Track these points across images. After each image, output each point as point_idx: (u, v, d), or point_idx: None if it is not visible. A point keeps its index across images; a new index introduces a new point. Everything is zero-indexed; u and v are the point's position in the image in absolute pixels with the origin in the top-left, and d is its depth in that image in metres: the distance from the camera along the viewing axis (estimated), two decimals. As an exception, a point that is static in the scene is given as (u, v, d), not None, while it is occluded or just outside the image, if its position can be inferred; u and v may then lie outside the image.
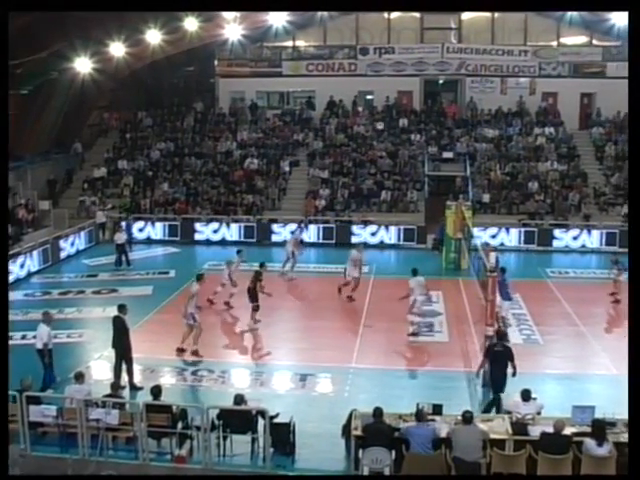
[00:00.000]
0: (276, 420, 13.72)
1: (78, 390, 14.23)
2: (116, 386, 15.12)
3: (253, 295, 21.54)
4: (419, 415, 12.95)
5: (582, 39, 42.27)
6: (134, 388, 17.00)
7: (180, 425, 13.67)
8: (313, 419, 15.36)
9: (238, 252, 24.94)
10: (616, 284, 24.73)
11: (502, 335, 15.98)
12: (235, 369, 18.63)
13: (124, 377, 17.17)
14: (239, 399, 13.96)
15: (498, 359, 15.49)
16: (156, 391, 13.96)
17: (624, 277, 24.42)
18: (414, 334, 21.04)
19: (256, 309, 21.54)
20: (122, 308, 17.68)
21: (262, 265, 22.59)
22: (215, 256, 30.23)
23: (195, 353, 19.15)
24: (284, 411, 14.26)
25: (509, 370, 15.51)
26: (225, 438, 13.73)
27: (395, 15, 42.27)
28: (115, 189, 37.64)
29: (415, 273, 21.75)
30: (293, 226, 32.27)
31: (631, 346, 12.40)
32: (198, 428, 13.45)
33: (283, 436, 13.68)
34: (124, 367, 17.26)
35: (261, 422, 13.53)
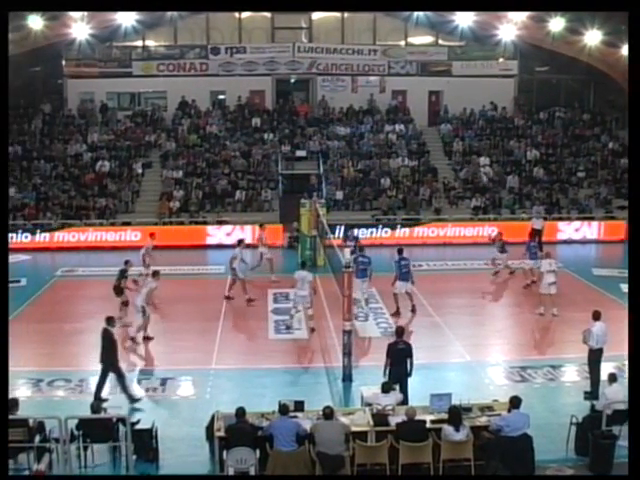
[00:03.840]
0: (137, 426, 13.50)
1: None
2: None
3: (119, 291, 21.90)
4: (282, 409, 13.03)
5: (428, 39, 43.56)
6: (133, 400, 16.39)
7: (38, 438, 13.21)
8: (175, 423, 15.21)
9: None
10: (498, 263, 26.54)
11: (402, 332, 16.07)
12: (93, 377, 18.11)
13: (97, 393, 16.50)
14: (96, 407, 13.65)
15: (401, 356, 15.54)
16: (11, 404, 13.43)
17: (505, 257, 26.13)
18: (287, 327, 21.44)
19: (125, 304, 21.84)
20: (110, 321, 16.74)
21: (127, 262, 22.58)
22: (67, 262, 29.57)
23: (147, 338, 20.32)
24: (145, 417, 14.06)
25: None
26: (86, 448, 13.38)
27: (246, 15, 42.31)
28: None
29: (303, 265, 22.30)
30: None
31: (631, 345, 12.79)
32: (57, 440, 13.05)
33: (145, 442, 13.46)
34: (116, 382, 16.56)
35: (122, 429, 13.28)
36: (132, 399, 16.42)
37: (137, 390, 17.27)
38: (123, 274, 22.19)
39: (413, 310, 22.88)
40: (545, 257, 23.00)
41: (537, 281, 24.19)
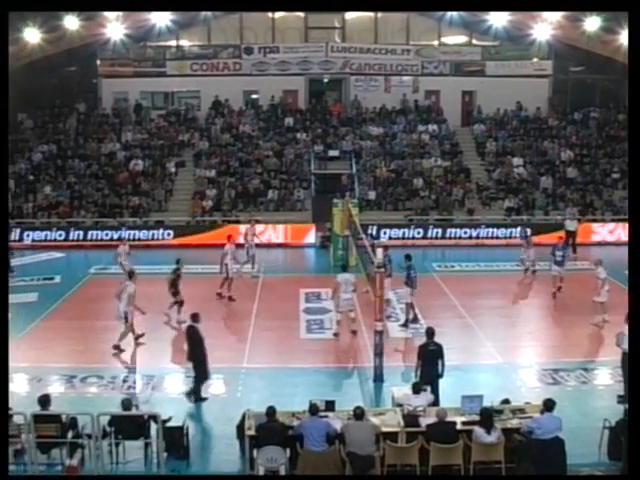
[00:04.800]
0: (169, 424, 13.57)
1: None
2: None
3: (174, 291, 21.96)
4: (312, 409, 13.03)
5: (462, 39, 43.39)
6: (199, 399, 16.43)
7: (70, 434, 13.32)
8: (206, 421, 15.28)
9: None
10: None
11: (432, 333, 15.89)
12: (125, 374, 18.32)
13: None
14: (127, 403, 13.73)
15: (432, 358, 15.44)
16: (44, 400, 13.55)
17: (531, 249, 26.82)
18: (336, 334, 20.99)
19: (180, 304, 21.75)
20: (195, 317, 16.95)
21: (178, 261, 22.70)
22: (100, 259, 29.82)
23: (118, 347, 19.31)
24: (177, 414, 14.13)
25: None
26: (117, 445, 13.47)
27: (279, 14, 42.40)
28: (-5, 193, 36.37)
29: (344, 268, 22.05)
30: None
31: (631, 345, 12.70)
32: (89, 436, 13.16)
33: (177, 440, 13.53)
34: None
35: (154, 426, 13.36)
36: (198, 397, 16.43)
37: (173, 387, 17.42)
38: (176, 273, 22.23)
39: (413, 320, 21.84)
40: (598, 264, 22.24)
41: (562, 288, 24.08)
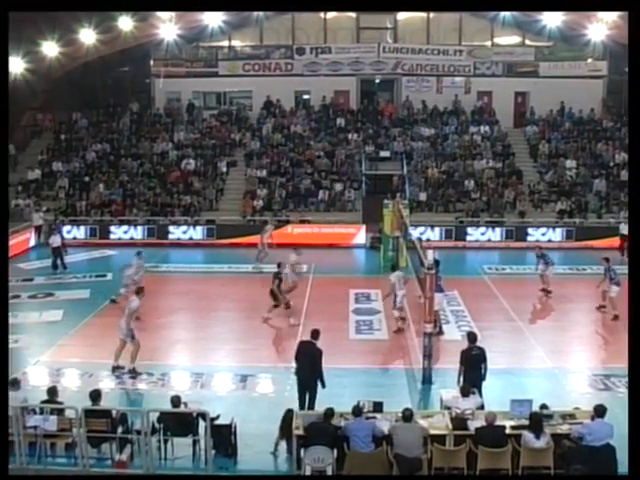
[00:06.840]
0: (217, 422, 13.64)
1: (14, 397, 13.78)
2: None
3: (274, 296, 22.09)
4: (355, 410, 13.01)
5: (515, 39, 43.01)
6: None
7: (120, 429, 13.47)
8: (254, 420, 15.31)
9: (138, 253, 24.48)
10: (544, 278, 25.33)
11: (474, 337, 15.84)
12: (175, 371, 18.44)
13: None
14: (176, 400, 13.83)
15: (476, 362, 15.34)
16: (95, 395, 13.71)
17: (550, 271, 25.02)
18: (400, 330, 21.08)
19: (288, 306, 22.21)
20: (316, 334, 15.95)
21: (279, 265, 22.86)
22: (151, 258, 30.06)
23: (134, 370, 18.14)
24: (225, 412, 14.18)
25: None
26: (166, 441, 13.57)
27: (331, 15, 42.43)
28: (50, 191, 37.02)
29: (394, 268, 22.08)
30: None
31: (631, 346, 12.55)
32: (138, 432, 13.26)
33: (224, 438, 13.59)
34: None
35: (202, 424, 13.43)
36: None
37: (222, 386, 17.49)
38: (278, 276, 22.31)
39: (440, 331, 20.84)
40: None
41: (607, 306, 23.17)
